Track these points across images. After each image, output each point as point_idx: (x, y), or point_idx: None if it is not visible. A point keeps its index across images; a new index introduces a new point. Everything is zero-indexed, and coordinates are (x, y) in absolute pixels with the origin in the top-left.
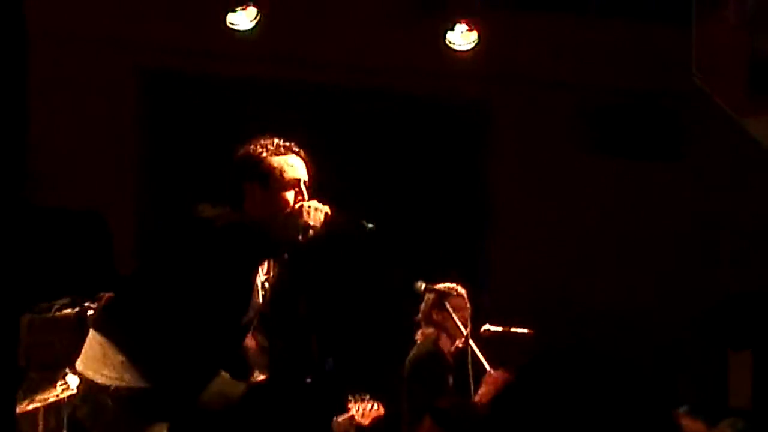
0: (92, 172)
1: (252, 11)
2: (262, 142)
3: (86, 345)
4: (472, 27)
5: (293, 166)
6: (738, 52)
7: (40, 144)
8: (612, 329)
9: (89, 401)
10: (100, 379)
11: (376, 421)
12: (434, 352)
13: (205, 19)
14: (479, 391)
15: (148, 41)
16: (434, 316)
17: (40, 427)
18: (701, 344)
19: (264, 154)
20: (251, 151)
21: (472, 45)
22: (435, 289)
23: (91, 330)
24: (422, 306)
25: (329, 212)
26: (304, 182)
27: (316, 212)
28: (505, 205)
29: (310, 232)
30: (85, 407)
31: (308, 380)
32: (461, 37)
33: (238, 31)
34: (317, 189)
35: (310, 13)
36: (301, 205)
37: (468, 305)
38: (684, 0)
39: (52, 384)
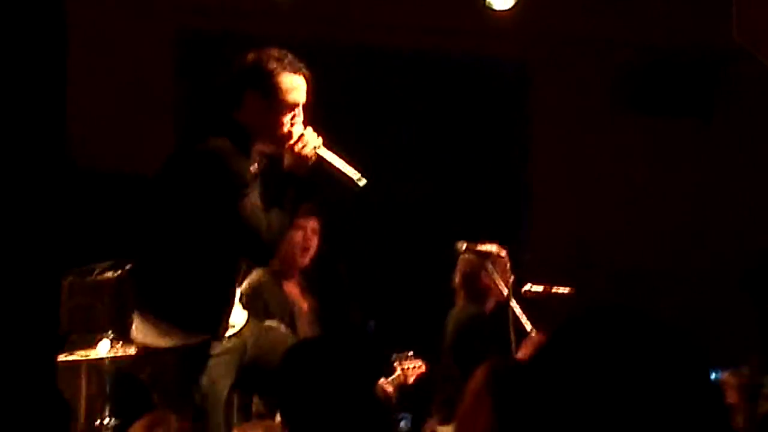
0: (132, 135)
1: None
2: (275, 54)
3: (135, 320)
4: None
5: (299, 87)
6: None
7: (80, 107)
8: (651, 287)
9: (150, 362)
10: (162, 343)
11: (420, 379)
12: (478, 313)
13: None
14: (520, 352)
15: (184, 2)
16: (476, 279)
17: (83, 384)
18: (738, 301)
19: (275, 68)
20: (262, 61)
21: (511, 4)
22: (476, 250)
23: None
24: (459, 267)
25: (320, 145)
26: (303, 105)
27: (310, 143)
28: (545, 165)
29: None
30: (148, 368)
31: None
32: None
33: None
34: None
35: None
36: (302, 135)
37: (509, 266)
38: None
39: (92, 345)
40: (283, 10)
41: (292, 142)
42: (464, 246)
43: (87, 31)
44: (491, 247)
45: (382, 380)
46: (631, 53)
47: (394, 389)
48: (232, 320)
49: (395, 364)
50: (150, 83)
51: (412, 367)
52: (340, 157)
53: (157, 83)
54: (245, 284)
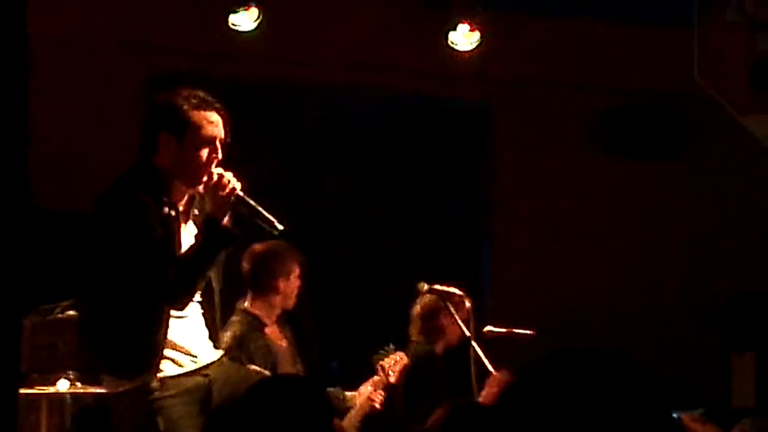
0: (99, 174)
1: (254, 12)
2: (185, 93)
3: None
4: (475, 27)
5: (213, 122)
6: (739, 51)
7: (46, 146)
8: (614, 330)
9: (114, 408)
10: (115, 388)
11: (404, 372)
12: (431, 351)
13: (211, 21)
14: (483, 393)
15: (154, 43)
16: (435, 318)
17: (43, 421)
18: (704, 346)
19: (185, 107)
20: (172, 101)
21: (474, 46)
22: (438, 290)
23: None
24: (419, 304)
25: (238, 189)
26: (220, 140)
27: (229, 185)
28: (507, 208)
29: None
30: (114, 413)
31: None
32: (463, 38)
33: (241, 32)
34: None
35: (311, 13)
36: (221, 176)
37: (469, 309)
38: (685, 1)
39: (52, 383)
40: (252, 51)
41: (212, 183)
42: (425, 287)
43: (52, 71)
44: (454, 290)
45: (365, 385)
46: (595, 96)
47: (381, 390)
48: (197, 352)
49: (377, 364)
50: (120, 123)
51: (392, 364)
52: (259, 204)
53: (125, 122)
54: (228, 335)
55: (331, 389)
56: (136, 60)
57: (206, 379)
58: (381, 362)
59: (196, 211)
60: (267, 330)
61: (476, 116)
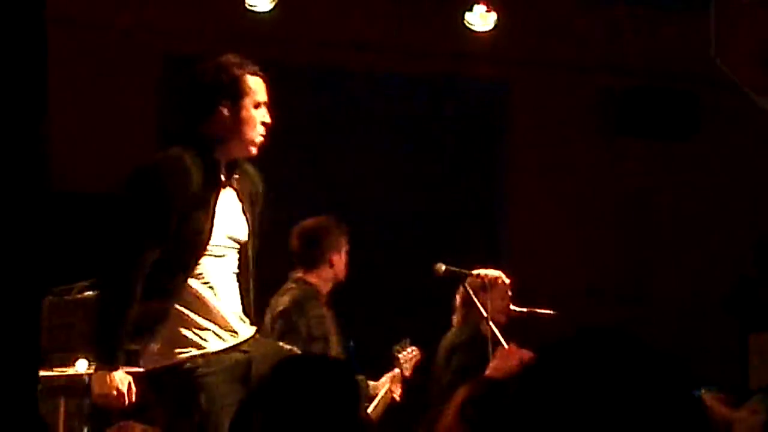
0: (116, 155)
1: None
2: (233, 60)
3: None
4: (491, 8)
5: (261, 87)
6: (757, 32)
7: (64, 130)
8: (631, 311)
9: (151, 385)
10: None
11: (417, 366)
12: (472, 336)
13: (225, 3)
14: (490, 365)
15: (170, 27)
16: (473, 303)
17: (61, 403)
18: (721, 326)
19: (239, 73)
20: (227, 69)
21: (491, 26)
22: (455, 271)
23: None
24: (457, 295)
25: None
26: (265, 104)
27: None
28: (524, 188)
29: None
30: (151, 391)
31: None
32: (480, 18)
33: (257, 12)
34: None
35: None
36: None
37: (508, 291)
38: None
39: (70, 364)
40: (265, 33)
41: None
42: (443, 267)
43: (70, 55)
44: (492, 272)
45: (385, 377)
46: (612, 76)
47: (398, 385)
48: (236, 326)
49: (395, 355)
50: (136, 105)
51: (409, 359)
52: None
53: (143, 105)
54: (286, 299)
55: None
56: (151, 43)
57: (245, 356)
58: (398, 355)
59: (236, 176)
60: (322, 302)
61: (493, 96)
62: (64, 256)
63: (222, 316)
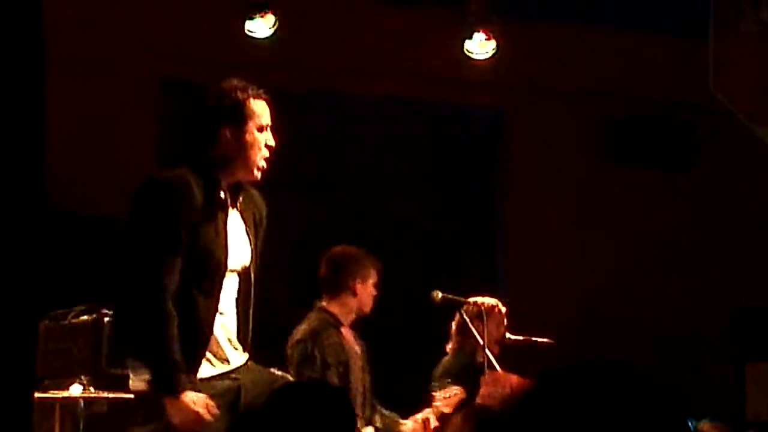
0: (112, 178)
1: (270, 19)
2: (237, 84)
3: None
4: (491, 36)
5: (265, 111)
6: (754, 62)
7: (62, 152)
8: (628, 339)
9: (142, 407)
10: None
11: (459, 405)
12: (469, 364)
13: (226, 29)
14: (481, 391)
15: (169, 51)
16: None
17: (56, 427)
18: (718, 356)
19: (242, 97)
20: (231, 93)
21: (490, 54)
22: (451, 299)
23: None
24: (453, 323)
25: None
26: (270, 127)
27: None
28: (521, 215)
29: None
30: (140, 413)
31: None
32: (479, 46)
33: (256, 38)
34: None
35: (327, 20)
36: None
37: (503, 319)
38: (700, 12)
39: (65, 388)
40: (263, 58)
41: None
42: (440, 295)
43: (72, 76)
44: (489, 300)
45: (409, 420)
46: (610, 105)
47: (436, 420)
48: (229, 354)
49: (432, 395)
50: (132, 130)
51: (447, 396)
52: None
53: (139, 130)
54: (303, 328)
55: (387, 413)
56: (150, 67)
57: (236, 383)
58: (434, 393)
59: (240, 199)
60: (342, 330)
61: (491, 124)
62: (61, 279)
63: (217, 343)
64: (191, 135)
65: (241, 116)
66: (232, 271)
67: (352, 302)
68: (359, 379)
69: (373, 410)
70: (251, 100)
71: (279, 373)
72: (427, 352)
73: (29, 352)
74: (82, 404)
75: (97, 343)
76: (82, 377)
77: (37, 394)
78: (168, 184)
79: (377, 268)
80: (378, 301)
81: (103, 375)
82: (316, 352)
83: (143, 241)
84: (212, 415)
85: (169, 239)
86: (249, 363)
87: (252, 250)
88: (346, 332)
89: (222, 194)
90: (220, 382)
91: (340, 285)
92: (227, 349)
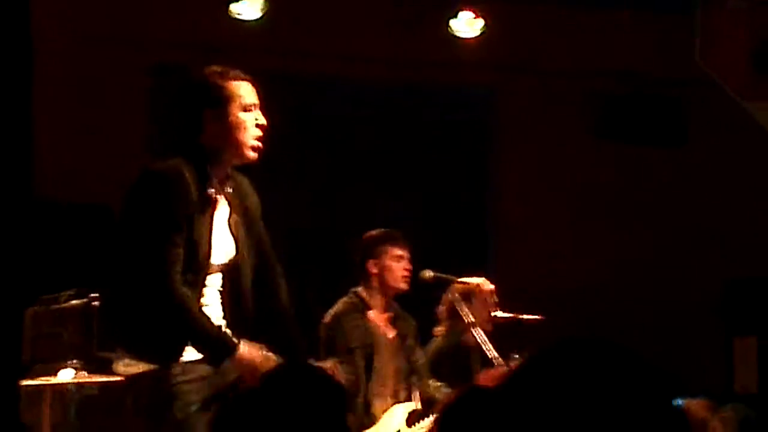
0: (100, 165)
1: (258, 1)
2: (215, 68)
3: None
4: (478, 14)
5: (248, 91)
6: (741, 37)
7: (52, 139)
8: (618, 315)
9: (131, 390)
10: (137, 369)
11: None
12: (458, 344)
13: (213, 13)
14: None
15: (156, 37)
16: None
17: (47, 411)
18: (706, 330)
19: (219, 80)
20: (207, 78)
21: (478, 33)
22: (441, 277)
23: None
24: (445, 297)
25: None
26: (257, 106)
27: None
28: (512, 194)
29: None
30: (129, 396)
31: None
32: (467, 25)
33: (244, 21)
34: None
35: (314, 3)
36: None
37: (492, 298)
38: None
39: (55, 373)
40: (252, 42)
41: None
42: (430, 274)
43: (58, 65)
44: (476, 279)
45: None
46: (599, 83)
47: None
48: None
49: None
50: (122, 116)
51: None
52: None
53: (129, 116)
54: (331, 312)
55: (437, 383)
56: (139, 53)
57: (225, 368)
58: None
59: (229, 189)
60: (371, 313)
61: (481, 102)
62: (52, 266)
63: None
64: (177, 125)
65: (221, 99)
66: (217, 265)
67: (375, 284)
68: (388, 360)
69: (410, 392)
70: (231, 82)
71: (265, 353)
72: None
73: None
74: (72, 389)
75: (87, 327)
76: (73, 361)
77: (26, 381)
78: (165, 177)
79: (397, 244)
80: None
81: (94, 359)
82: (339, 337)
83: (146, 233)
84: (269, 358)
85: (171, 230)
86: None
87: (238, 242)
88: (376, 315)
89: (212, 188)
90: (203, 366)
91: (360, 270)
92: None
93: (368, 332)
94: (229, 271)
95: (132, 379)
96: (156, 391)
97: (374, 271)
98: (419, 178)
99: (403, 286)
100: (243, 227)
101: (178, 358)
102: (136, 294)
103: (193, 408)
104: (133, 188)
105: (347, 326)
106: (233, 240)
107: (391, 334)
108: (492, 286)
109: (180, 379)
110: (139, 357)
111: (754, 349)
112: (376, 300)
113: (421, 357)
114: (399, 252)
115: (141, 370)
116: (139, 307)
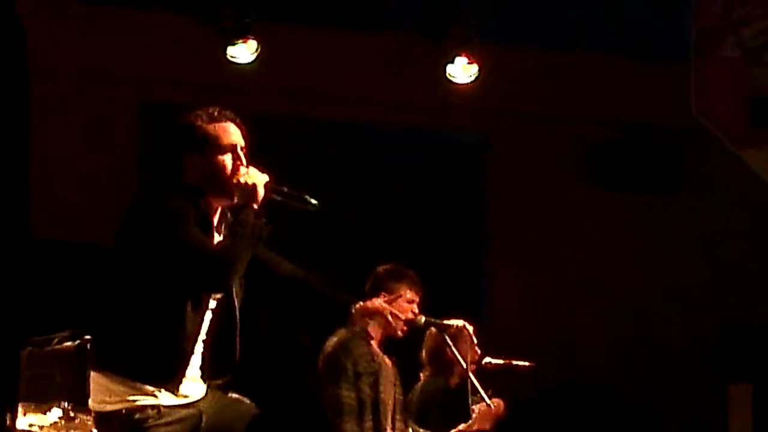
0: (94, 206)
1: (252, 44)
2: (198, 111)
3: (91, 383)
4: (473, 60)
5: (230, 132)
6: (737, 85)
7: (43, 178)
8: (611, 362)
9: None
10: (108, 406)
11: (499, 418)
12: (444, 387)
13: (207, 54)
14: (474, 426)
15: (149, 77)
16: (443, 354)
17: None
18: (701, 378)
19: (199, 122)
20: (187, 121)
21: (472, 78)
22: (437, 323)
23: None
24: (426, 341)
25: (269, 180)
26: (241, 148)
27: (255, 177)
28: (504, 240)
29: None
30: None
31: None
32: (462, 70)
33: (239, 64)
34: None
35: (309, 46)
36: (238, 170)
37: (473, 340)
38: (682, 36)
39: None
40: (244, 83)
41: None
42: (423, 319)
43: (50, 104)
44: (456, 322)
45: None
46: (592, 130)
47: None
48: (186, 391)
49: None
50: (113, 155)
51: (485, 412)
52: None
53: (119, 155)
54: (333, 340)
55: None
56: (127, 91)
57: (196, 410)
58: (473, 407)
59: (223, 225)
60: (372, 343)
61: (474, 148)
62: (44, 306)
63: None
64: (162, 167)
65: (202, 142)
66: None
67: (380, 319)
68: (389, 391)
69: (406, 425)
70: (213, 124)
71: (235, 396)
72: (412, 378)
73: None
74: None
75: (80, 369)
76: (64, 403)
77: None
78: (165, 198)
79: (413, 288)
80: None
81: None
82: (348, 363)
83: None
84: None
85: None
86: (208, 391)
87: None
88: (376, 346)
89: (213, 218)
90: (179, 410)
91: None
92: (187, 386)
93: (373, 360)
94: (220, 305)
95: (102, 417)
96: (129, 430)
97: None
98: (409, 222)
99: (400, 334)
100: None
101: (181, 376)
102: (137, 315)
103: None
104: (133, 211)
105: (355, 352)
106: None
107: (389, 364)
108: (471, 328)
109: (153, 422)
110: (141, 379)
111: (749, 396)
112: (377, 333)
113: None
114: (412, 296)
115: (112, 409)
116: (140, 328)
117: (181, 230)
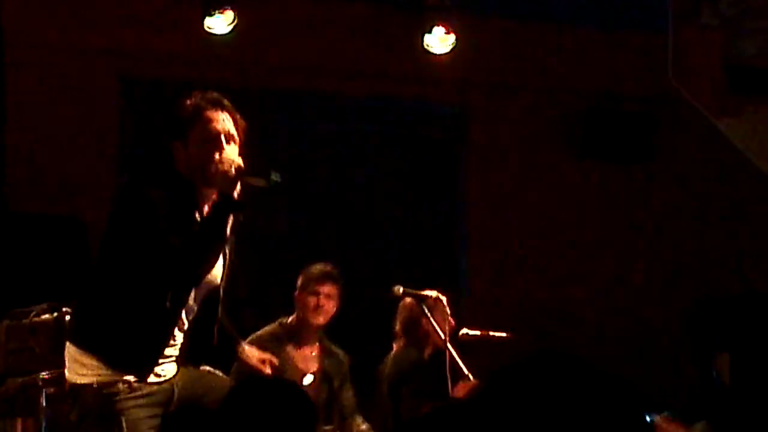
0: (73, 179)
1: (229, 15)
2: (186, 99)
3: (66, 354)
4: (450, 30)
5: (213, 119)
6: (714, 54)
7: (21, 151)
8: (590, 332)
9: (76, 402)
10: (83, 378)
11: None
12: (418, 358)
13: (185, 26)
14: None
15: (128, 49)
16: (417, 326)
17: (18, 427)
18: (680, 347)
19: (183, 111)
20: (173, 110)
21: (450, 48)
22: (414, 294)
23: (66, 342)
24: (400, 312)
25: (242, 165)
26: (226, 136)
27: (228, 163)
28: (483, 210)
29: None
30: (75, 409)
31: None
32: (439, 41)
33: (215, 35)
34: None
35: (286, 17)
36: (216, 158)
37: (448, 311)
38: (660, 6)
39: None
40: (222, 56)
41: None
42: (401, 290)
43: (29, 77)
44: (430, 293)
45: None
46: (570, 99)
47: None
48: (160, 370)
49: None
50: (92, 128)
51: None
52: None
53: (99, 128)
54: (252, 336)
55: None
56: (108, 64)
57: (168, 385)
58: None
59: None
60: (298, 347)
61: (452, 119)
62: (22, 278)
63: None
64: (153, 155)
65: (184, 133)
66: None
67: (297, 313)
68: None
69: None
70: (196, 114)
71: (207, 368)
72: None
73: None
74: (43, 403)
75: (59, 341)
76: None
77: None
78: (150, 189)
79: (311, 277)
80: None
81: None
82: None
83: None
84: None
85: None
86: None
87: (224, 266)
88: (303, 349)
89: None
90: (149, 385)
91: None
92: (164, 364)
93: (281, 364)
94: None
95: (74, 389)
96: (101, 405)
97: (296, 301)
98: (388, 193)
99: (316, 319)
100: (229, 250)
101: (154, 367)
102: (117, 300)
103: (142, 423)
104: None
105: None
106: (222, 265)
107: (311, 369)
108: (445, 298)
109: (124, 396)
110: (114, 366)
111: (726, 366)
112: (301, 332)
113: (349, 397)
114: (313, 286)
115: (85, 381)
116: (119, 315)
117: (152, 222)
